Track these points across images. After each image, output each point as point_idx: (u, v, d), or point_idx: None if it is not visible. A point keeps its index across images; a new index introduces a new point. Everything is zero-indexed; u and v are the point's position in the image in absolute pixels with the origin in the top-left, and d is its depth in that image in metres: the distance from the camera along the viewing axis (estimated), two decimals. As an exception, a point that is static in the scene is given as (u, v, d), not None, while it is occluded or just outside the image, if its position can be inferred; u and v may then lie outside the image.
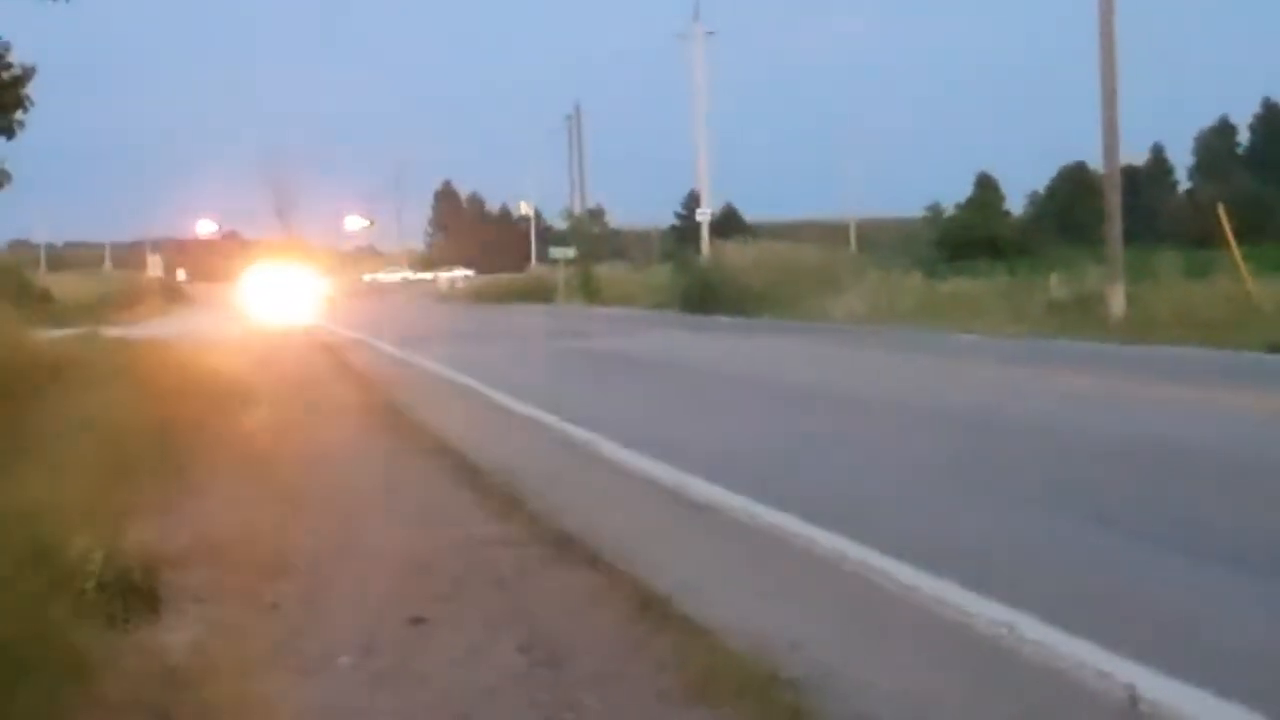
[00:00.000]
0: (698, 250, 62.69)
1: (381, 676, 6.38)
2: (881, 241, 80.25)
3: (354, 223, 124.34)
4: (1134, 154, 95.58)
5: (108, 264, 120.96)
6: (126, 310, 59.13)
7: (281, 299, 55.92)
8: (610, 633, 6.91)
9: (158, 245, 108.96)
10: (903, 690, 5.97)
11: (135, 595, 7.51)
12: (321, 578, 8.36)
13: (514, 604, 7.58)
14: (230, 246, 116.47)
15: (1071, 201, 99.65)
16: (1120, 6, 33.41)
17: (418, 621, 7.24)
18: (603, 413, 16.79)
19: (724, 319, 42.87)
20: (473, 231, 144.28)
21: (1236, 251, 31.92)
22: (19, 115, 23.46)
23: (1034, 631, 6.61)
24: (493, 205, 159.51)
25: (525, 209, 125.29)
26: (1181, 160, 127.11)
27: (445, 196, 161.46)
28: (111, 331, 37.32)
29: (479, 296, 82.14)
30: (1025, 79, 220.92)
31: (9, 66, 23.33)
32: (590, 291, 69.70)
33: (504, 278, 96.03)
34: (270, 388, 20.53)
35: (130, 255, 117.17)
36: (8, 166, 24.14)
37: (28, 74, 23.51)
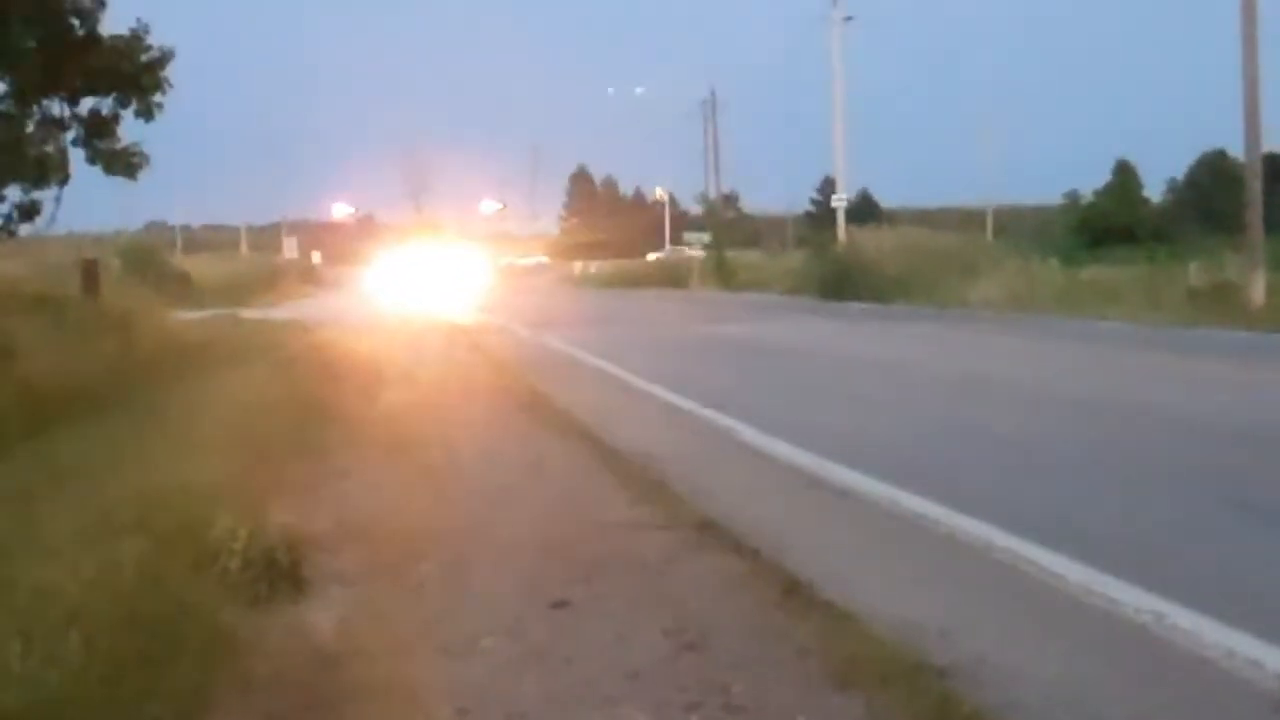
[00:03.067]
0: (833, 236, 62.41)
1: (526, 659, 6.38)
2: (1019, 228, 79.71)
3: (488, 206, 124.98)
4: (1275, 141, 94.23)
5: (244, 246, 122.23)
6: (263, 293, 59.81)
7: (422, 281, 55.96)
8: (754, 618, 6.87)
9: (293, 228, 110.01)
10: (1053, 678, 5.90)
11: (279, 575, 7.57)
12: (463, 560, 8.37)
13: (656, 588, 7.56)
14: (365, 229, 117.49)
15: (1211, 189, 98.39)
16: (1262, -8, 32.98)
17: (561, 605, 7.24)
18: (740, 398, 16.73)
19: (859, 305, 42.71)
20: (607, 216, 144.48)
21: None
22: (158, 98, 23.64)
23: (1183, 620, 6.53)
24: (626, 190, 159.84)
25: (660, 194, 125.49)
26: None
27: (579, 181, 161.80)
28: (249, 314, 37.79)
29: (613, 282, 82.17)
30: (1166, 65, 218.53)
31: (148, 49, 23.53)
32: (724, 277, 69.63)
33: (638, 263, 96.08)
34: (408, 370, 20.62)
35: (266, 237, 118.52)
36: (146, 149, 24.34)
37: (166, 56, 23.70)
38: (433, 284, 53.08)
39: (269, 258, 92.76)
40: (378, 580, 7.86)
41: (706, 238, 78.19)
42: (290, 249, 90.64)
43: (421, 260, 62.34)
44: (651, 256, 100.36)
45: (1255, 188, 33.32)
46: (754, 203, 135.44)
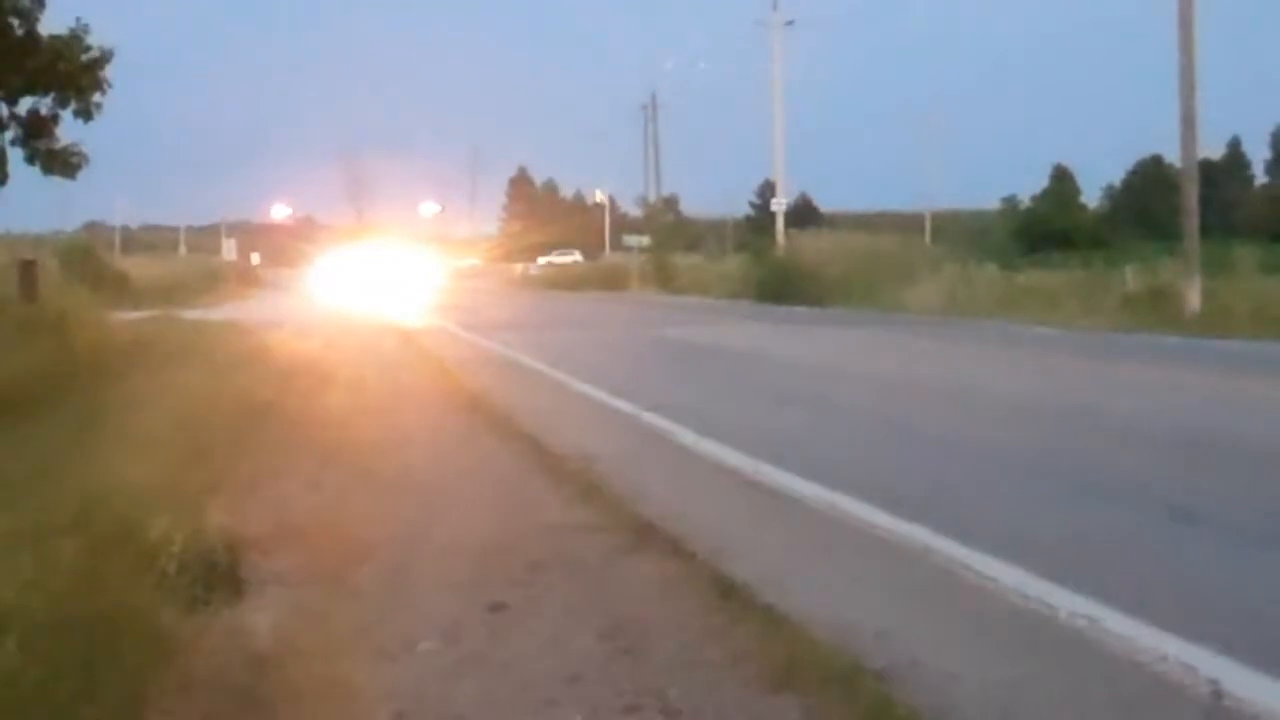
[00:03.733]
0: (772, 240, 62.60)
1: (463, 662, 6.39)
2: (957, 233, 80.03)
3: (427, 209, 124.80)
4: (1211, 148, 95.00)
5: (182, 247, 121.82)
6: (201, 294, 59.52)
7: (369, 283, 55.62)
8: (691, 621, 6.89)
9: (232, 229, 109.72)
10: (989, 681, 5.94)
11: (217, 577, 7.56)
12: (402, 562, 8.38)
13: (594, 591, 7.58)
14: (304, 231, 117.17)
15: (1147, 195, 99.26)
16: (1197, 2, 33.26)
17: (499, 608, 7.25)
18: (679, 401, 16.77)
19: (799, 309, 42.84)
20: (547, 219, 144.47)
21: (1315, 247, 31.75)
22: (97, 98, 23.59)
23: (1117, 624, 6.58)
24: (567, 192, 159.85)
25: (600, 196, 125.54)
26: (1259, 154, 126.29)
27: (519, 183, 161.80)
28: (188, 315, 37.62)
29: (553, 284, 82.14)
30: (1102, 72, 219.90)
31: (87, 49, 23.48)
32: (664, 280, 69.73)
33: (578, 265, 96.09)
34: (347, 372, 20.59)
35: (205, 239, 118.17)
36: (85, 149, 24.27)
37: (106, 56, 23.66)
38: (381, 286, 52.45)
39: (208, 259, 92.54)
40: (316, 583, 7.85)
41: (646, 241, 78.30)
42: (229, 250, 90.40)
43: (368, 262, 61.85)
44: (609, 254, 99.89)
45: (1191, 193, 33.61)
46: (694, 206, 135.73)
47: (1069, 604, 6.95)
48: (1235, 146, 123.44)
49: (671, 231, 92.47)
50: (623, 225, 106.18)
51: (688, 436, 13.62)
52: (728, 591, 7.36)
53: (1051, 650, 6.38)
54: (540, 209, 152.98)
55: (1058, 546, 8.50)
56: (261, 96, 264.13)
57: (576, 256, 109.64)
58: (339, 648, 6.61)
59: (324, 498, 10.32)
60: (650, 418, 15.16)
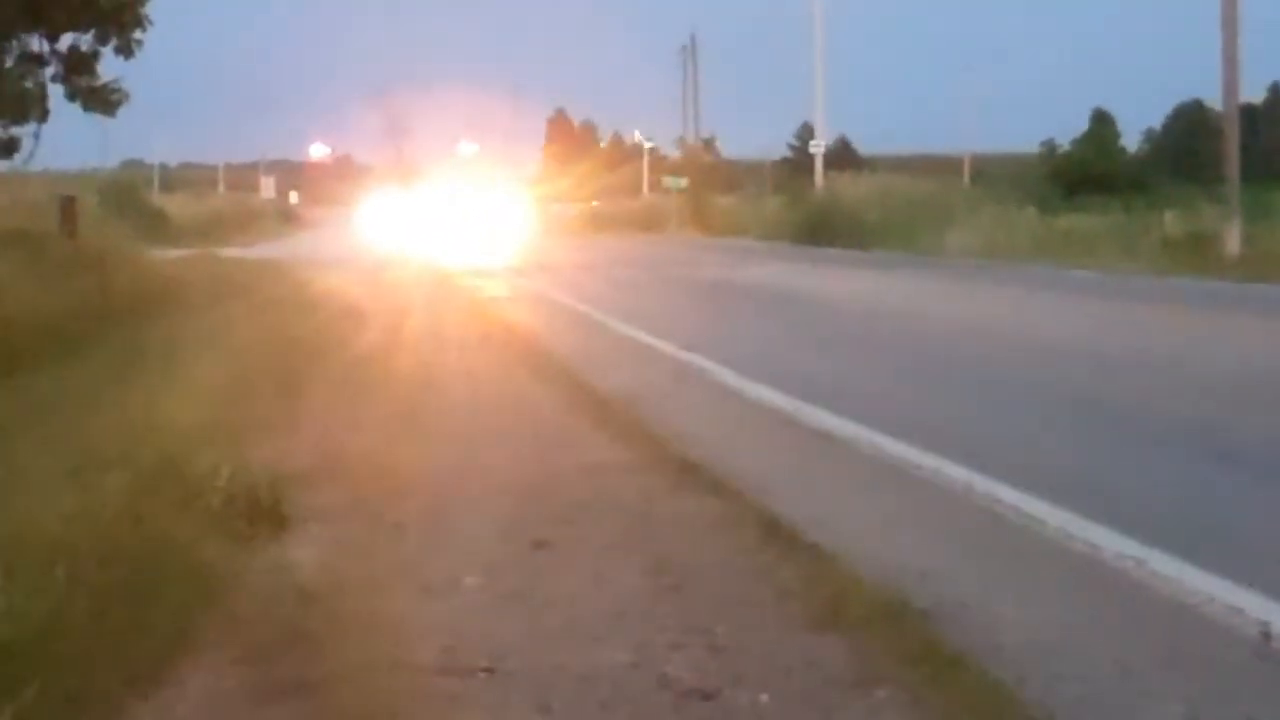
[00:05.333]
0: (810, 183, 62.41)
1: (507, 598, 6.39)
2: (996, 177, 79.59)
3: (465, 148, 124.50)
4: (1252, 92, 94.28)
5: (220, 185, 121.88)
6: (240, 232, 59.65)
7: (419, 224, 54.61)
8: (735, 560, 6.89)
9: (271, 167, 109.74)
10: (1034, 623, 5.93)
11: (261, 513, 7.57)
12: (444, 499, 8.40)
13: (638, 530, 7.57)
14: (343, 170, 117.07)
15: (1188, 139, 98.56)
16: (1243, -58, 32.98)
17: (542, 545, 7.25)
18: (720, 341, 16.76)
19: (836, 252, 42.69)
20: (585, 160, 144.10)
21: (1355, 191, 31.55)
22: (137, 34, 23.58)
23: (1164, 566, 6.55)
24: (605, 134, 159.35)
25: (638, 137, 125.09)
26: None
27: (557, 124, 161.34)
28: (227, 253, 37.68)
29: (589, 225, 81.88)
30: (1144, 14, 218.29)
31: (127, -15, 23.46)
32: (703, 222, 69.51)
33: (616, 207, 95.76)
34: (388, 311, 20.61)
35: (243, 176, 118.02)
36: (125, 86, 24.27)
37: (147, -7, 23.64)
38: (445, 228, 50.31)
39: (246, 197, 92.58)
40: (359, 519, 7.86)
41: (685, 182, 78.02)
42: (268, 189, 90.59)
43: (435, 201, 60.22)
44: (647, 195, 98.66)
45: (1232, 137, 33.38)
46: (733, 148, 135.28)
47: (1116, 545, 6.92)
48: (1276, 91, 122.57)
49: (710, 173, 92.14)
50: (661, 167, 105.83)
51: (728, 376, 13.62)
52: (772, 530, 7.34)
53: (1098, 592, 6.36)
54: (578, 150, 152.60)
55: (1103, 487, 8.48)
56: (300, 35, 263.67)
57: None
58: (383, 583, 6.62)
59: (365, 435, 10.32)
60: (690, 357, 15.16)
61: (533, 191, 61.44)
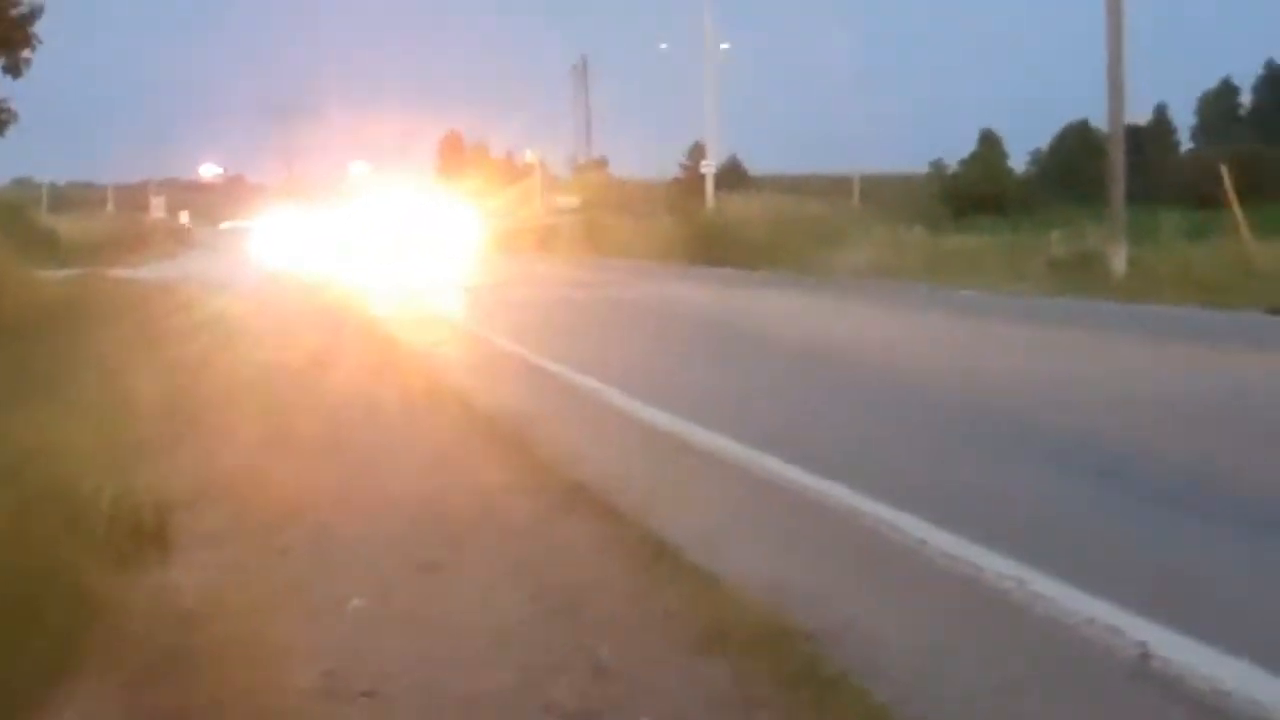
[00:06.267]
0: (702, 203, 62.63)
1: (393, 621, 6.39)
2: (885, 197, 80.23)
3: (358, 168, 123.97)
4: (1137, 113, 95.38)
5: (110, 205, 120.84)
6: (131, 252, 59.14)
7: (322, 243, 53.43)
8: (622, 581, 6.92)
9: (161, 187, 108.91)
10: (917, 643, 5.99)
11: (146, 536, 7.53)
12: (332, 522, 8.37)
13: (525, 552, 7.59)
14: (234, 189, 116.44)
15: (1074, 160, 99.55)
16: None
17: (429, 567, 7.25)
18: (609, 361, 16.81)
19: (728, 271, 42.81)
20: (477, 179, 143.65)
21: (1238, 212, 31.96)
22: (26, 53, 23.45)
23: (1044, 586, 6.62)
24: (498, 154, 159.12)
25: (530, 158, 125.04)
26: (1184, 121, 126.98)
27: (449, 144, 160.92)
28: (117, 273, 37.39)
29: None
30: (1031, 34, 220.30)
31: (17, 4, 23.30)
32: (595, 241, 69.53)
33: (506, 226, 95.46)
34: (276, 330, 20.52)
35: (134, 196, 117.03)
36: (14, 105, 24.11)
37: (36, 12, 23.51)
38: (376, 247, 47.09)
39: (137, 217, 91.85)
40: (244, 541, 7.83)
41: (576, 202, 78.10)
42: (158, 208, 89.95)
43: (353, 218, 58.13)
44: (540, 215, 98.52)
45: (1117, 158, 33.73)
46: (625, 168, 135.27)
47: (997, 566, 6.99)
48: (1161, 113, 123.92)
49: (602, 193, 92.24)
50: (554, 187, 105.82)
51: (617, 396, 13.64)
52: (659, 552, 7.37)
53: (980, 613, 6.42)
54: (470, 170, 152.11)
55: (984, 507, 8.57)
56: (191, 54, 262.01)
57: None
58: (268, 606, 6.60)
59: (253, 457, 10.27)
60: (580, 378, 15.18)
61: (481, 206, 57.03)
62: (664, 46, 73.88)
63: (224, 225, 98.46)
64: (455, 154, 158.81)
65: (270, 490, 9.09)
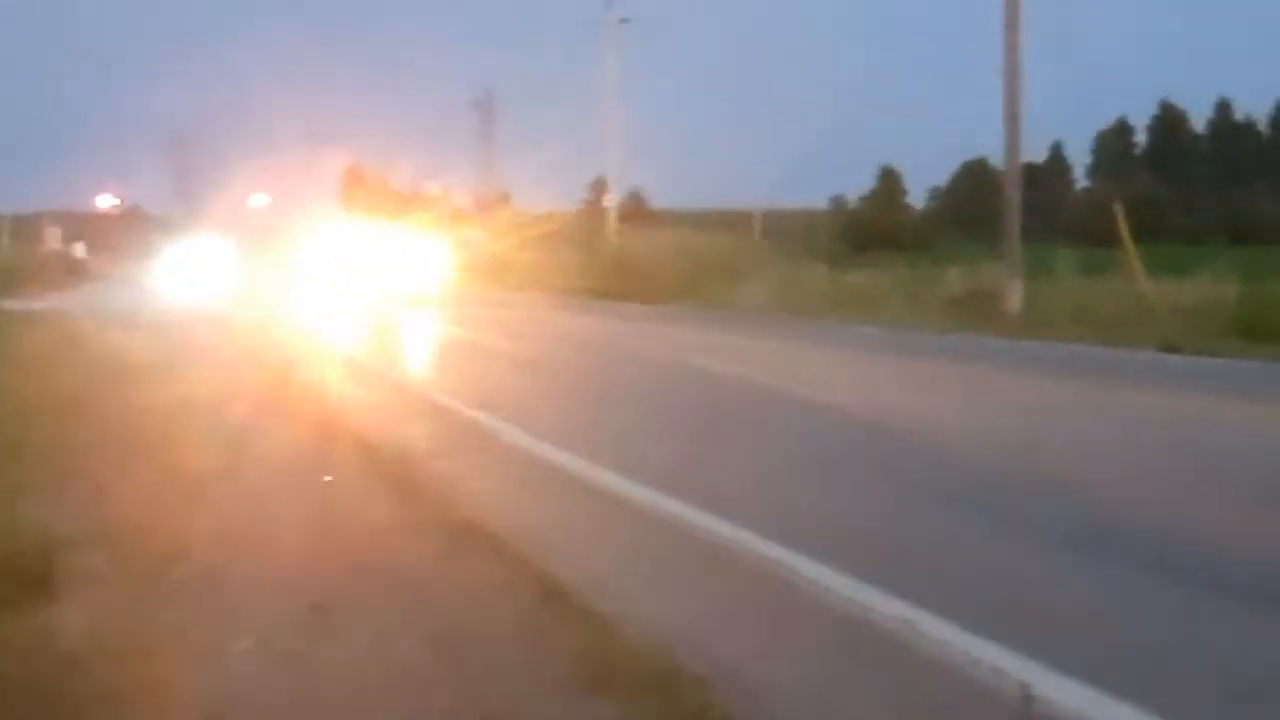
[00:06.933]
0: (604, 237, 62.70)
1: (280, 664, 6.33)
2: (786, 232, 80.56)
3: (257, 200, 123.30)
4: (1034, 151, 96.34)
5: (4, 236, 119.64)
6: (25, 284, 58.56)
7: (201, 273, 52.54)
8: (512, 623, 6.88)
9: (56, 218, 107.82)
10: (805, 685, 5.99)
11: (28, 577, 7.43)
12: (221, 562, 8.28)
13: (416, 592, 7.54)
14: (132, 220, 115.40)
15: (972, 197, 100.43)
16: (1023, 5, 33.78)
17: (318, 609, 7.19)
18: (506, 399, 16.78)
19: (629, 306, 42.82)
20: (379, 212, 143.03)
21: (1132, 251, 32.30)
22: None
23: (931, 627, 6.64)
24: (401, 187, 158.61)
25: (433, 190, 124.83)
26: (1080, 159, 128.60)
27: (353, 176, 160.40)
28: (9, 305, 37.01)
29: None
30: (931, 72, 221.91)
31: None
32: (496, 275, 69.40)
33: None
34: (171, 364, 20.34)
35: (28, 227, 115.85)
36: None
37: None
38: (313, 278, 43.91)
39: (30, 248, 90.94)
40: (131, 582, 7.73)
41: (478, 235, 77.90)
42: (53, 239, 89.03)
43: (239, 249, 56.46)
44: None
45: (1014, 196, 34.07)
46: (528, 202, 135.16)
47: (886, 607, 7.00)
48: (1057, 150, 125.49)
49: (504, 226, 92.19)
50: (457, 220, 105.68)
51: (514, 434, 13.61)
52: (550, 593, 7.35)
53: (869, 654, 6.43)
54: (374, 202, 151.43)
55: (876, 547, 8.60)
56: (87, 84, 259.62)
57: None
58: (152, 649, 6.51)
59: (141, 496, 10.16)
60: (475, 415, 15.14)
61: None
62: (624, 20, 72.05)
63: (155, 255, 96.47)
64: (358, 186, 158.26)
65: (158, 531, 8.99)
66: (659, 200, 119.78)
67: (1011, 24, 33.86)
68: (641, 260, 51.01)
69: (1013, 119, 34.12)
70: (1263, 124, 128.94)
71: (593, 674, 6.00)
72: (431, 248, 44.23)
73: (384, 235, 45.53)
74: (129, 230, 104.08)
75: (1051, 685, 5.84)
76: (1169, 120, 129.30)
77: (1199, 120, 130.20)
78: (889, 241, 77.21)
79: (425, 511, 9.69)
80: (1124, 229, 32.63)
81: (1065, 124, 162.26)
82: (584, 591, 7.36)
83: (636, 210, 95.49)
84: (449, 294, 41.73)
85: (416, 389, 18.60)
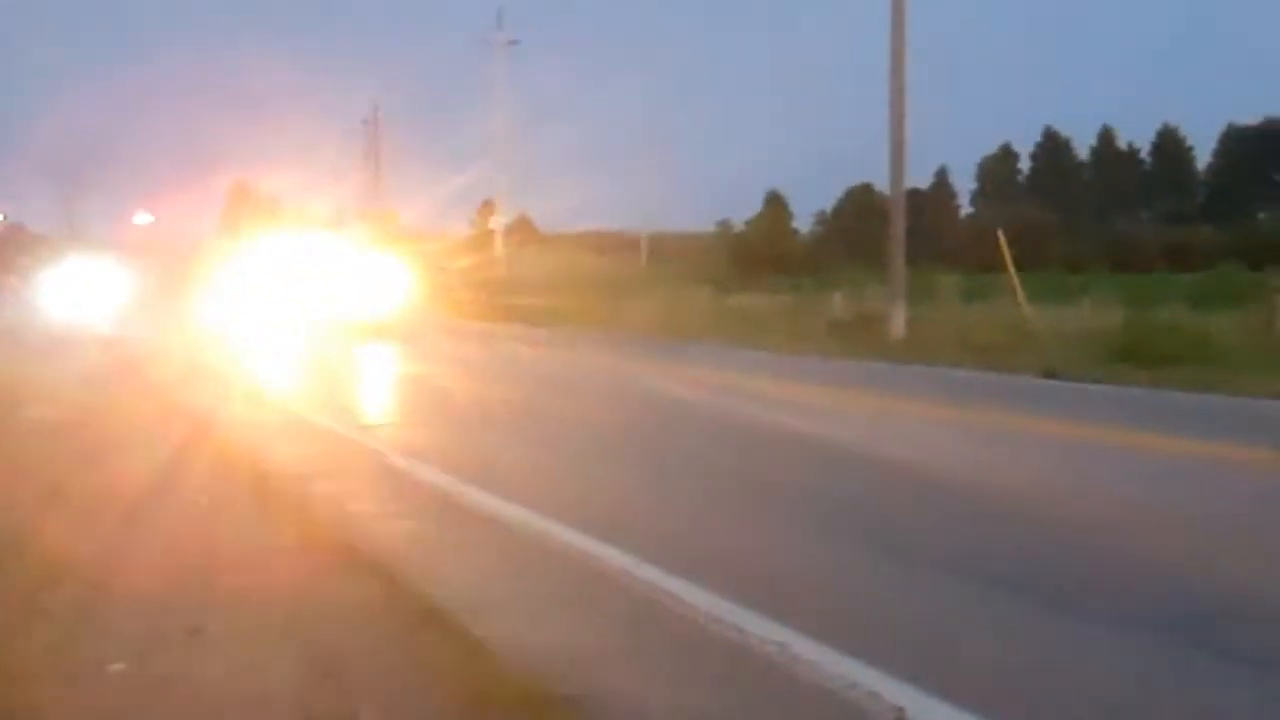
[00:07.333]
0: (491, 258, 62.66)
1: (155, 685, 6.31)
2: (673, 255, 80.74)
3: (141, 218, 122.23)
4: (919, 177, 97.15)
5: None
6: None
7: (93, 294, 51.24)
8: (388, 645, 6.88)
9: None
10: (679, 708, 6.03)
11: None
12: (96, 584, 8.23)
13: (294, 615, 7.52)
14: (15, 238, 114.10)
15: (858, 222, 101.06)
16: (910, 32, 34.12)
17: (195, 631, 7.16)
18: (389, 420, 16.77)
19: (515, 328, 42.76)
20: (265, 230, 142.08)
21: (1014, 277, 32.68)
22: None
23: (806, 650, 6.70)
24: (287, 205, 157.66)
25: (317, 210, 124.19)
26: (965, 185, 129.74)
27: (237, 193, 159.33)
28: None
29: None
30: (818, 99, 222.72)
31: None
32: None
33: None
34: (52, 383, 20.17)
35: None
36: None
37: None
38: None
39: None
40: (4, 603, 7.68)
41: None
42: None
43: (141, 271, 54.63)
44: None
45: (898, 221, 34.39)
46: (416, 221, 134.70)
47: (762, 630, 7.05)
48: (942, 177, 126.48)
49: (390, 246, 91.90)
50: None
51: (393, 456, 13.60)
52: (427, 616, 7.36)
53: (745, 677, 6.48)
54: (258, 221, 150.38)
55: (750, 569, 8.66)
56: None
57: None
58: (26, 671, 6.47)
59: (15, 516, 10.07)
60: (358, 436, 15.12)
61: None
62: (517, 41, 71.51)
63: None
64: (243, 204, 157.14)
65: (35, 552, 8.93)
66: (547, 223, 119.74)
67: (897, 54, 34.24)
68: (527, 283, 51.00)
69: (898, 146, 34.44)
70: (1145, 152, 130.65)
71: (466, 697, 6.03)
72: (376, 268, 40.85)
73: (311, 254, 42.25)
74: (12, 247, 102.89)
75: (925, 708, 5.91)
76: (1052, 147, 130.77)
77: (1082, 148, 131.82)
78: (775, 265, 77.61)
79: (304, 531, 9.68)
80: (1006, 255, 33.02)
81: (951, 150, 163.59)
82: (462, 613, 7.39)
83: (525, 232, 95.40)
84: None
85: (287, 407, 18.54)
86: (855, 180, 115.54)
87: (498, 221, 66.38)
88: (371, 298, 39.68)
